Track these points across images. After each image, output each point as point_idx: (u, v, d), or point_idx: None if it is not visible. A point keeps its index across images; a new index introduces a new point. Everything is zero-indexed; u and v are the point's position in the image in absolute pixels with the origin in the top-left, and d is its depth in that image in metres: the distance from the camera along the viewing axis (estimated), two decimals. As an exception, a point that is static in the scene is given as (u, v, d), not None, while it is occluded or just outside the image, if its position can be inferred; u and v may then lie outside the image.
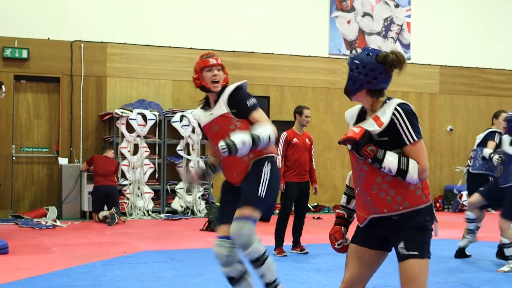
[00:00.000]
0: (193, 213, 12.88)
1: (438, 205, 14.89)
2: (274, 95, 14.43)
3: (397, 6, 15.57)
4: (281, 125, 13.53)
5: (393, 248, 3.60)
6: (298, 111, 8.50)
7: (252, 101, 4.63)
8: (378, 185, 3.52)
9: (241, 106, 4.61)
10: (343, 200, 3.91)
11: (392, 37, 15.45)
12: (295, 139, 8.34)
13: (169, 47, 13.61)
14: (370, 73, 3.51)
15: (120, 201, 12.26)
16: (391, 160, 3.41)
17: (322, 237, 10.02)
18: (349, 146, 3.57)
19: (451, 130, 15.62)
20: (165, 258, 7.97)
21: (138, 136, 12.76)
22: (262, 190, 4.60)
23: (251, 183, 4.62)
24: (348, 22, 15.09)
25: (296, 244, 8.50)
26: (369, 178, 3.54)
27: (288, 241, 8.45)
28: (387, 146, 3.46)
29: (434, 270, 7.27)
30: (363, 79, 3.52)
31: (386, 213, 3.52)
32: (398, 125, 3.44)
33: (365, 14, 15.26)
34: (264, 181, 4.63)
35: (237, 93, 4.69)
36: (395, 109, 3.47)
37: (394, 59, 3.50)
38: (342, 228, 3.83)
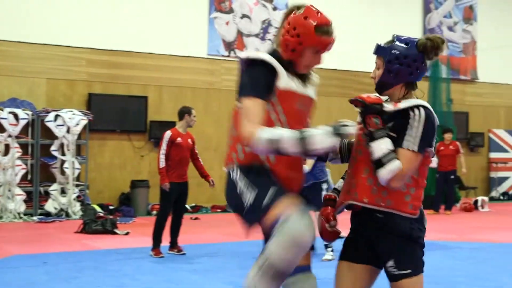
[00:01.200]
0: (67, 215, 12.51)
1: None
2: (153, 95, 14.29)
3: (275, 9, 15.83)
4: (160, 126, 13.46)
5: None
6: (187, 111, 8.53)
7: None
8: (370, 169, 3.16)
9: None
10: (339, 183, 3.49)
11: (270, 39, 15.68)
12: (179, 139, 8.33)
13: (44, 44, 13.16)
14: (413, 64, 3.19)
15: (-11, 203, 11.74)
16: (381, 147, 3.09)
17: (200, 238, 10.08)
18: (359, 118, 3.24)
19: None
20: (37, 262, 7.70)
21: (9, 136, 12.26)
22: None
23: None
24: (227, 23, 15.19)
25: (174, 245, 8.46)
26: (365, 157, 3.19)
27: (165, 241, 8.39)
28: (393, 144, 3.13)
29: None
30: (406, 70, 3.20)
31: (365, 203, 3.16)
32: (410, 124, 3.13)
33: (244, 16, 15.41)
34: None
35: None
36: (417, 107, 3.14)
37: (433, 46, 3.19)
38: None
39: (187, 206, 11.35)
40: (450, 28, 18.69)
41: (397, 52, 3.21)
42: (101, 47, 13.67)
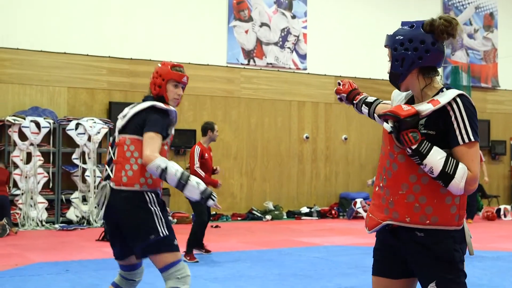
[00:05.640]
0: (89, 223, 12.58)
1: (333, 212, 15.22)
2: (173, 104, 14.33)
3: (293, 17, 15.85)
4: (179, 134, 13.51)
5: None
6: (210, 127, 8.90)
7: None
8: (409, 185, 2.83)
9: None
10: (371, 99, 3.61)
11: (289, 48, 15.71)
12: (206, 155, 8.71)
13: (64, 53, 13.28)
14: (420, 46, 2.84)
15: (12, 211, 11.83)
16: (436, 158, 2.73)
17: (220, 246, 10.08)
18: (387, 127, 2.80)
19: (345, 139, 16.04)
20: (59, 270, 7.75)
21: (32, 144, 12.37)
22: None
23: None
24: (246, 31, 15.23)
25: (201, 245, 8.80)
26: (402, 173, 2.85)
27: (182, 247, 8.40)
28: (432, 142, 2.79)
29: (328, 275, 7.43)
30: (413, 55, 2.84)
31: (407, 222, 2.86)
32: (453, 118, 2.77)
33: (263, 24, 15.45)
34: None
35: None
36: (454, 99, 2.78)
37: (443, 24, 2.83)
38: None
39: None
40: (470, 36, 18.59)
41: (401, 37, 2.88)
42: (121, 56, 13.76)
